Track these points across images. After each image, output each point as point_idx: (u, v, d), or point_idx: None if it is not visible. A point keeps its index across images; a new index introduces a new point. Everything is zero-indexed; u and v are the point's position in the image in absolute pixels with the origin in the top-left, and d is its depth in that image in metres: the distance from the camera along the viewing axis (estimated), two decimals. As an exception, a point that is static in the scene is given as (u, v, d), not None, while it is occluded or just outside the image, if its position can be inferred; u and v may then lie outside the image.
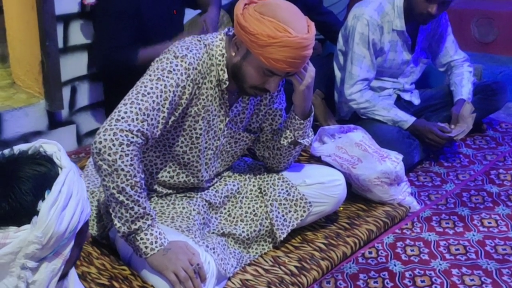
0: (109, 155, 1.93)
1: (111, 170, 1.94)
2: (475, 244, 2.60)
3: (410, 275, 2.41)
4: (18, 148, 1.44)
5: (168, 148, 2.23)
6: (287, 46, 1.99)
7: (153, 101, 2.01)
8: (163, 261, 2.01)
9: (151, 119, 2.00)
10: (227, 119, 2.27)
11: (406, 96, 3.43)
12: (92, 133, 3.42)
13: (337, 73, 3.44)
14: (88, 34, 3.26)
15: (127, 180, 1.95)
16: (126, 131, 1.94)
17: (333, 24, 3.87)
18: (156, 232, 2.04)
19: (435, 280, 2.37)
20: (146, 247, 2.02)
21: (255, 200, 2.46)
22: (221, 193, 2.41)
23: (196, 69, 2.10)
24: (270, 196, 2.43)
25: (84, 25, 3.23)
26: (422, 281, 2.37)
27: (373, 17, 3.13)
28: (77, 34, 3.22)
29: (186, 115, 2.16)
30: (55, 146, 1.46)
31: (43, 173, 1.37)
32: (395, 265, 2.47)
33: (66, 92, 3.23)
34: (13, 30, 3.25)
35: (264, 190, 2.46)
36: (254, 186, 2.48)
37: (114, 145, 1.93)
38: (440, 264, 2.47)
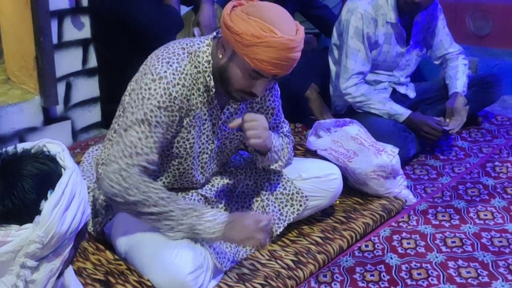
0: (116, 196, 2.03)
1: (128, 206, 2.04)
2: (471, 237, 2.60)
3: (406, 268, 2.41)
4: (21, 146, 1.43)
5: (165, 157, 2.22)
6: (271, 46, 1.94)
7: (137, 132, 2.03)
8: (235, 235, 2.07)
9: (141, 148, 2.03)
10: (220, 122, 2.24)
11: (402, 89, 3.43)
12: (87, 128, 3.41)
13: (332, 67, 3.44)
14: (82, 29, 3.25)
15: (147, 205, 2.03)
16: (118, 171, 2.02)
17: (328, 18, 3.86)
18: (209, 216, 2.06)
19: (432, 272, 2.38)
20: (212, 233, 2.06)
21: (251, 195, 2.46)
22: (217, 188, 2.41)
23: (178, 84, 2.05)
24: (266, 191, 2.43)
25: (78, 20, 3.22)
26: (419, 274, 2.37)
27: (367, 10, 3.13)
28: (72, 30, 3.21)
29: (182, 127, 2.14)
30: (59, 146, 1.45)
31: (46, 172, 1.37)
32: (391, 258, 2.47)
33: (61, 88, 3.22)
34: (7, 26, 3.24)
35: (260, 185, 2.46)
36: (250, 180, 2.48)
37: (113, 187, 2.02)
38: (437, 257, 2.47)
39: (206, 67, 2.10)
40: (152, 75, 2.03)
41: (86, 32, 3.27)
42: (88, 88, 3.37)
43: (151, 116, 2.02)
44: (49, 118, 3.22)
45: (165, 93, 2.02)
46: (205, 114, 2.18)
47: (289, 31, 1.98)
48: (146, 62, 2.13)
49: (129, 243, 2.21)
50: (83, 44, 3.28)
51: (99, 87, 3.41)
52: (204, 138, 2.24)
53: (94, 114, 3.43)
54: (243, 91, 2.08)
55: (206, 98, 2.15)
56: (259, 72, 2.01)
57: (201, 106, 2.15)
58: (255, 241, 2.08)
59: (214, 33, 2.16)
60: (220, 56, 2.07)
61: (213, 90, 2.12)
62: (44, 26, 3.00)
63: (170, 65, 2.05)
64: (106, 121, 3.44)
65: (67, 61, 3.23)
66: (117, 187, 2.02)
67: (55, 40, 3.12)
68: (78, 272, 2.19)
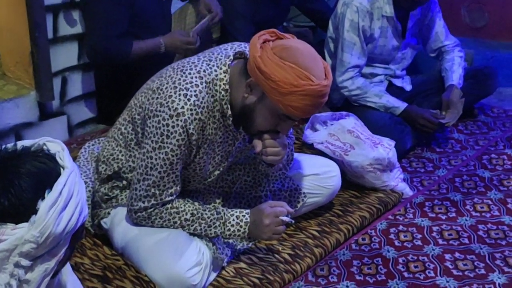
0: (147, 223, 2.16)
1: (161, 226, 2.16)
2: (467, 229, 2.61)
3: (403, 260, 2.42)
4: (21, 144, 1.42)
5: None
6: (308, 94, 1.90)
7: (159, 172, 2.06)
8: (258, 234, 2.18)
9: (164, 185, 2.08)
10: (237, 142, 2.22)
11: (398, 82, 3.43)
12: (84, 123, 3.41)
13: (328, 60, 3.43)
14: (78, 24, 3.24)
15: (174, 227, 2.16)
16: (144, 209, 2.12)
17: (324, 11, 3.86)
18: (232, 220, 2.16)
19: (428, 265, 2.38)
20: (238, 235, 2.17)
21: (249, 191, 2.45)
22: (215, 184, 2.40)
23: (195, 119, 2.00)
24: (264, 187, 2.43)
25: (73, 15, 3.21)
26: (416, 267, 2.38)
27: (363, 3, 3.12)
28: (67, 24, 3.20)
29: (197, 155, 2.13)
30: (59, 146, 1.44)
31: (44, 171, 1.36)
32: (388, 251, 2.48)
33: (56, 83, 3.20)
34: (2, 21, 3.23)
35: (259, 181, 2.45)
36: (248, 176, 2.45)
37: (139, 222, 2.16)
38: (433, 250, 2.48)
39: (223, 96, 2.04)
40: (170, 110, 1.98)
41: (81, 27, 3.26)
42: (84, 83, 3.36)
43: (172, 156, 2.03)
44: (45, 113, 3.21)
45: (183, 131, 1.99)
46: (220, 138, 2.14)
47: (321, 74, 1.95)
48: (160, 80, 2.07)
49: (127, 238, 2.21)
50: (79, 38, 3.27)
51: (95, 82, 3.40)
52: (218, 159, 2.21)
53: (90, 109, 3.42)
54: (263, 131, 2.07)
55: (222, 123, 2.10)
56: (289, 116, 2.00)
57: (216, 131, 2.11)
58: (278, 236, 2.21)
59: (231, 59, 2.07)
60: (246, 95, 2.01)
61: (231, 118, 2.08)
62: (39, 21, 2.99)
63: (188, 99, 1.98)
64: (102, 116, 3.43)
65: (63, 56, 3.22)
66: (143, 222, 2.16)
67: (50, 35, 3.11)
68: (76, 268, 2.19)
